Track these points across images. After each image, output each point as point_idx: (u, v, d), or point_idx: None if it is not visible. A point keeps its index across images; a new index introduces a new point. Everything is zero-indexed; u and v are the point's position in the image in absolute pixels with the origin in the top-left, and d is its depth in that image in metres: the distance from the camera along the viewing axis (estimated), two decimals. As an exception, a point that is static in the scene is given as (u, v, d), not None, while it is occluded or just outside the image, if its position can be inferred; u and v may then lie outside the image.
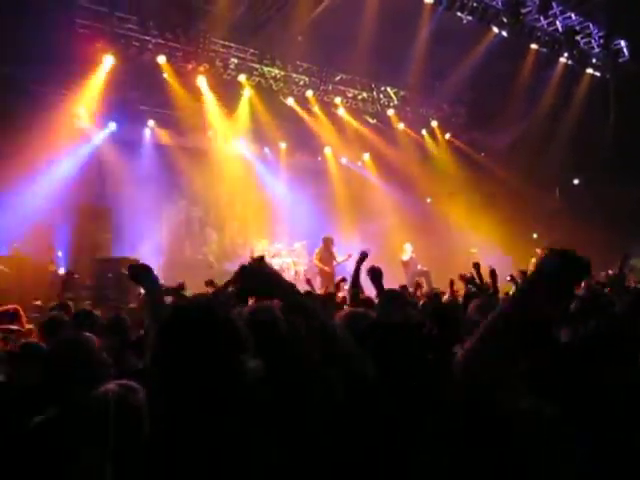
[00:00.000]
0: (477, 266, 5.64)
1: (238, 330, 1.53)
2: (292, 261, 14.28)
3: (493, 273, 5.38)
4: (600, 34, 13.28)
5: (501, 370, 1.44)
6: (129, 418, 1.82)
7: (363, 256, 4.89)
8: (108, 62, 11.40)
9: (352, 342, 1.63)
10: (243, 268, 1.70)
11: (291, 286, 1.73)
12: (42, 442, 2.05)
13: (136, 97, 12.87)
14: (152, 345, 1.51)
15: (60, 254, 11.40)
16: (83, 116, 12.68)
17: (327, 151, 16.58)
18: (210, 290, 5.34)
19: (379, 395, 1.50)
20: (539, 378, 1.74)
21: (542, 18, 12.70)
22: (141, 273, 2.66)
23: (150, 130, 13.92)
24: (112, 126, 13.12)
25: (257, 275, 1.68)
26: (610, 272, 7.39)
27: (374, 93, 15.07)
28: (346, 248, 12.13)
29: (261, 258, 1.75)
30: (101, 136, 13.08)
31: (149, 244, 12.70)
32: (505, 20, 12.34)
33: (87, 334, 2.49)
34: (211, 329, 1.48)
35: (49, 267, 10.50)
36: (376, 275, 4.06)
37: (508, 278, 6.28)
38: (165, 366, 1.45)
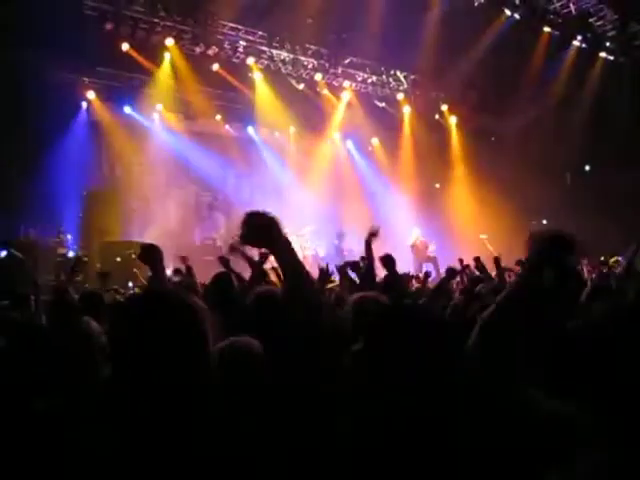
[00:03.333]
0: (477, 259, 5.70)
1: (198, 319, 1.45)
2: (300, 246, 14.27)
3: (497, 261, 5.35)
4: (615, 17, 13.04)
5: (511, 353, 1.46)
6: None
7: (374, 232, 4.51)
8: (117, 44, 11.35)
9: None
10: (248, 215, 1.70)
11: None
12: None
13: (145, 81, 12.83)
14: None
15: (70, 237, 11.46)
16: (92, 100, 12.68)
17: (336, 135, 16.48)
18: (183, 265, 5.38)
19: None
20: (547, 366, 1.72)
21: (555, 0, 12.49)
22: (151, 255, 2.67)
23: (159, 114, 13.88)
24: (121, 110, 13.10)
25: (260, 225, 1.68)
26: (619, 258, 7.31)
27: (383, 77, 14.92)
28: (353, 232, 12.12)
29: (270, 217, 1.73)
30: (111, 119, 13.07)
31: (158, 228, 12.72)
32: (517, 2, 12.15)
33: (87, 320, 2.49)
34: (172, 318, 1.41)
35: (58, 250, 10.57)
36: (388, 261, 4.06)
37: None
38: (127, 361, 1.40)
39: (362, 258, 4.96)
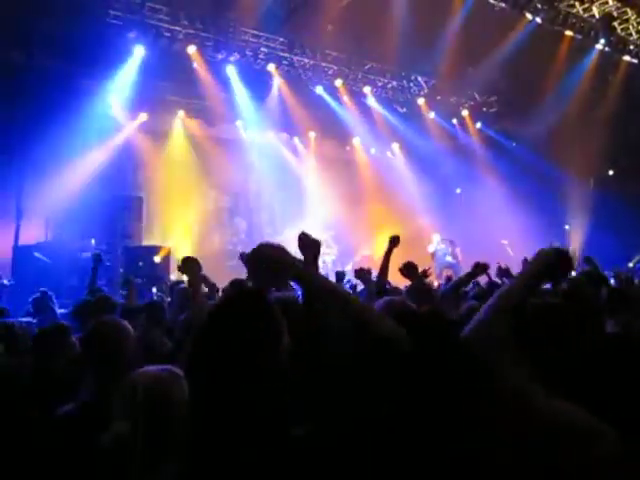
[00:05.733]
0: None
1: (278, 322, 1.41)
2: (321, 252, 14.28)
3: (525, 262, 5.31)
4: (638, 19, 12.88)
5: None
6: (159, 403, 1.84)
7: (395, 241, 4.42)
8: (139, 52, 11.53)
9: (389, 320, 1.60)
10: (252, 251, 1.56)
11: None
12: (77, 427, 2.10)
13: (166, 87, 12.99)
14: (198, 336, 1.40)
15: (93, 242, 11.61)
16: (115, 106, 12.87)
17: (356, 141, 16.50)
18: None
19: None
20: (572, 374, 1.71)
21: (578, 4, 12.37)
22: (190, 266, 2.82)
23: (180, 120, 14.03)
24: (143, 116, 13.28)
25: (266, 262, 1.52)
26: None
27: (404, 82, 14.92)
28: (374, 238, 12.11)
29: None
30: (132, 126, 13.25)
31: (179, 233, 12.85)
32: (539, 6, 12.06)
33: (122, 320, 2.54)
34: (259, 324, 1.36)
35: (83, 254, 10.72)
36: (410, 269, 4.02)
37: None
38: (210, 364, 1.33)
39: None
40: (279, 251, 1.54)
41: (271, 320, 1.37)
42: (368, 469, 1.35)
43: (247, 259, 1.60)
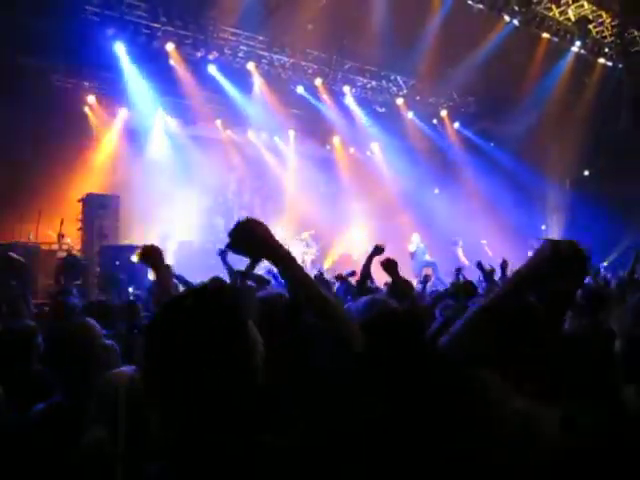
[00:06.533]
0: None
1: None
2: (300, 250, 14.29)
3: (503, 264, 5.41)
4: (613, 23, 13.10)
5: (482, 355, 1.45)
6: (139, 402, 1.82)
7: (378, 250, 4.54)
8: (118, 50, 11.40)
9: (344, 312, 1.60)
10: (237, 224, 1.61)
11: (287, 252, 1.62)
12: (49, 427, 2.07)
13: (145, 85, 12.86)
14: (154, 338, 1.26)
15: (69, 241, 11.46)
16: (93, 104, 12.72)
17: (336, 140, 16.52)
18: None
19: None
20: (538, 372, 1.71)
21: (554, 7, 12.54)
22: (153, 255, 2.63)
23: (159, 119, 13.91)
24: (121, 114, 13.14)
25: (250, 233, 1.59)
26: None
27: (383, 82, 14.98)
28: (353, 237, 12.14)
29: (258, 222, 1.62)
30: (110, 124, 13.10)
31: (158, 232, 12.73)
32: (516, 8, 12.21)
33: (90, 320, 2.49)
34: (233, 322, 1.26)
35: (58, 254, 10.58)
36: (391, 266, 4.06)
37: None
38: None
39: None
40: (265, 229, 1.60)
41: (230, 319, 1.25)
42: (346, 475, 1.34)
43: (233, 228, 1.60)
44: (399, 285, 4.00)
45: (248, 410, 1.23)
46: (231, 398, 1.20)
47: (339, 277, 5.88)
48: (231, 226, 1.62)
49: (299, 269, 1.63)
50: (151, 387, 1.23)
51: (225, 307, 1.26)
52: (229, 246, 1.61)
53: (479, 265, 5.63)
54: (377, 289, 4.96)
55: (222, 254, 5.13)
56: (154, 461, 1.25)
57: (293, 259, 1.63)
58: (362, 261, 4.59)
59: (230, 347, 1.21)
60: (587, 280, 5.48)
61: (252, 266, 4.08)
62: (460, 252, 13.45)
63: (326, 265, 14.57)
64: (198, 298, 1.26)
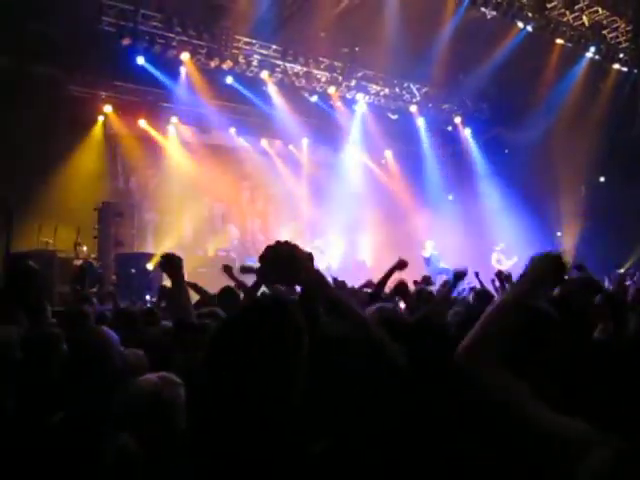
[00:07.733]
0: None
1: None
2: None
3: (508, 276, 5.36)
4: (628, 28, 13.02)
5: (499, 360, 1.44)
6: (162, 410, 1.84)
7: (400, 265, 4.50)
8: (133, 59, 11.54)
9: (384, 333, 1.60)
10: (268, 249, 1.54)
11: (321, 277, 1.58)
12: (68, 435, 2.09)
13: (160, 94, 13.01)
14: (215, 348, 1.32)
15: (85, 249, 11.56)
16: (109, 113, 12.87)
17: (349, 147, 16.55)
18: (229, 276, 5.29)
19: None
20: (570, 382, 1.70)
21: (568, 12, 12.49)
22: (172, 263, 2.62)
23: (174, 127, 14.03)
24: (136, 123, 13.27)
25: (283, 259, 1.51)
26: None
27: (396, 89, 14.99)
28: (367, 244, 12.13)
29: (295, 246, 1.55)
30: (125, 132, 13.24)
31: (172, 240, 12.82)
32: (530, 15, 12.18)
33: (105, 328, 2.52)
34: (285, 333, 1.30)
35: (75, 262, 10.67)
36: (402, 291, 4.09)
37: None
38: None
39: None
40: (294, 248, 1.55)
41: (296, 329, 1.31)
42: None
43: (262, 256, 1.55)
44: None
45: (301, 420, 1.28)
46: (289, 407, 1.26)
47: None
48: (262, 253, 1.54)
49: (334, 291, 1.61)
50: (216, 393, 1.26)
51: (295, 325, 1.32)
52: (264, 276, 1.60)
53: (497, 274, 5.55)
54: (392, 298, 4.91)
55: (244, 271, 4.87)
56: (180, 465, 1.27)
57: (327, 283, 1.60)
58: (376, 268, 4.61)
59: (296, 359, 1.29)
60: (607, 286, 5.44)
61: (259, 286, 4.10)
62: (495, 257, 13.42)
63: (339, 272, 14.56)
64: (275, 314, 1.32)
